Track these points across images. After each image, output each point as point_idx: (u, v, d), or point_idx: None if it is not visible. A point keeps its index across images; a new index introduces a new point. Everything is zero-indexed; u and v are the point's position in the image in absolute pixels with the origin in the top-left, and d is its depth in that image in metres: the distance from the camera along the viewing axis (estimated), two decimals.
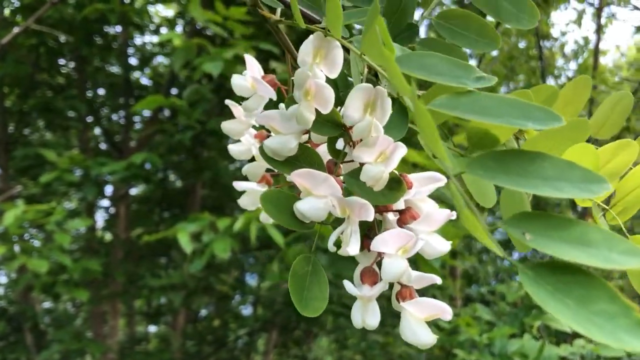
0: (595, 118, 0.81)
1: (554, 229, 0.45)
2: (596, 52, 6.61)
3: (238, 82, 0.77)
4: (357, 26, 0.72)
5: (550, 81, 7.24)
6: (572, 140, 0.70)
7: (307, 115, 0.59)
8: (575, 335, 4.22)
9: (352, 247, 0.57)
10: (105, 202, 5.55)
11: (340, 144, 0.69)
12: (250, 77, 0.72)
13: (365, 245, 0.60)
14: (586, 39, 7.51)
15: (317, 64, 0.60)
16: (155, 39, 5.46)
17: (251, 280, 6.33)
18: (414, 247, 0.55)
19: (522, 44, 7.17)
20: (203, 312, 6.15)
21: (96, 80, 5.34)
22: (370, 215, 0.57)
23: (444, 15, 0.76)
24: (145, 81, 5.48)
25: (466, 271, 6.17)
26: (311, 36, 0.59)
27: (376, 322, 0.57)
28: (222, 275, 5.21)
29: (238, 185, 0.81)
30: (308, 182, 0.59)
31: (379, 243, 0.56)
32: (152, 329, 6.54)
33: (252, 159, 0.81)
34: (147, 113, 5.09)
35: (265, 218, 0.82)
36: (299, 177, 0.59)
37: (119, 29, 4.95)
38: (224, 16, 3.86)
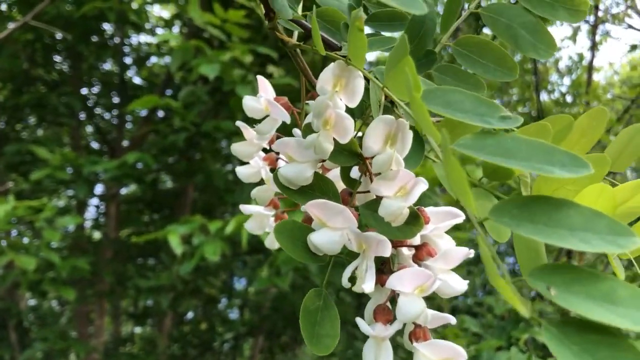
0: (611, 150, 0.80)
1: (579, 283, 0.44)
2: (590, 68, 6.65)
3: (250, 103, 0.75)
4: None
5: (544, 96, 7.27)
6: (590, 177, 0.69)
7: (326, 145, 0.57)
8: None
9: (367, 285, 0.55)
10: (94, 201, 5.52)
11: (354, 172, 0.67)
12: (265, 100, 0.70)
13: (379, 280, 0.59)
14: (581, 56, 7.57)
15: (337, 92, 0.58)
16: (150, 39, 5.44)
17: (238, 284, 6.31)
18: (432, 287, 0.54)
19: (517, 57, 7.21)
20: (189, 315, 6.11)
21: (91, 78, 5.31)
22: (387, 251, 0.56)
23: (462, 42, 0.75)
24: (138, 81, 5.44)
25: None
26: (332, 64, 0.58)
27: None
28: (210, 279, 5.19)
29: (245, 208, 0.79)
30: (323, 214, 0.58)
31: (396, 281, 0.55)
32: (137, 330, 6.49)
33: (261, 182, 0.79)
34: (141, 113, 5.06)
35: (270, 244, 0.81)
36: (314, 207, 0.58)
37: (113, 27, 4.92)
38: (222, 19, 3.85)
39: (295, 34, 0.71)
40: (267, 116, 0.75)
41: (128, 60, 5.33)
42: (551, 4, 0.75)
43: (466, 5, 0.80)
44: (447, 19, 0.77)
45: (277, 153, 0.80)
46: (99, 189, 5.16)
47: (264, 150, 0.80)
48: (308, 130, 0.61)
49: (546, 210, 0.47)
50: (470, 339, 4.26)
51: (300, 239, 0.59)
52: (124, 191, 5.68)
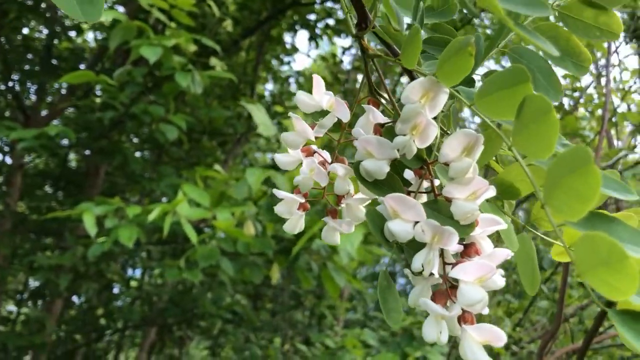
0: None
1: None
2: None
3: (303, 98, 0.83)
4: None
5: None
6: None
7: (414, 147, 0.66)
8: None
9: (435, 269, 0.65)
10: None
11: (408, 174, 0.76)
12: (333, 98, 0.78)
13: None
14: None
15: (422, 104, 0.67)
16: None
17: (133, 273, 6.17)
18: (491, 278, 0.64)
19: None
20: (79, 299, 5.88)
21: (11, 40, 5.02)
22: (453, 244, 0.65)
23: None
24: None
25: (352, 295, 6.41)
26: (424, 79, 0.66)
27: (447, 338, 0.65)
28: (112, 264, 5.04)
29: (279, 193, 0.85)
30: (399, 206, 0.66)
31: (459, 271, 0.64)
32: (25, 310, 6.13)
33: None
34: (62, 85, 4.86)
35: (291, 228, 0.88)
36: (392, 200, 0.66)
37: None
38: (170, 4, 3.81)
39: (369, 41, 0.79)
40: (317, 111, 0.83)
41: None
42: (562, 57, 0.89)
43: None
44: (485, 54, 0.89)
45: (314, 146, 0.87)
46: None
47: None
48: (388, 132, 0.70)
49: (602, 223, 0.59)
50: (367, 350, 4.44)
51: (380, 225, 0.68)
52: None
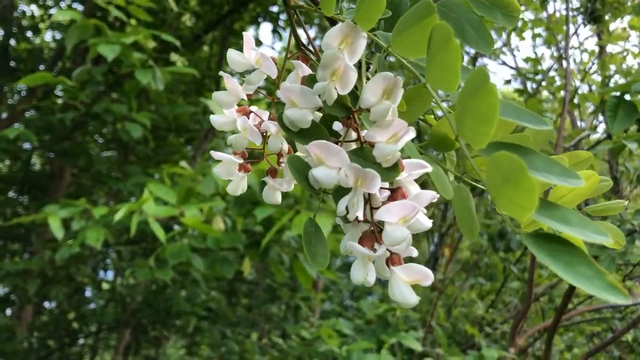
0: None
1: (545, 209, 0.57)
2: None
3: (234, 56, 0.83)
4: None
5: None
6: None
7: (333, 93, 0.66)
8: (424, 355, 4.57)
9: (360, 212, 0.65)
10: None
11: (337, 126, 0.77)
12: (259, 54, 0.78)
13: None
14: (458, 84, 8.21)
15: (341, 49, 0.67)
16: (35, 9, 5.16)
17: (104, 275, 6.08)
18: (414, 217, 0.65)
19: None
20: (50, 304, 5.79)
21: None
22: (376, 187, 0.65)
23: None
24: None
25: (327, 286, 6.42)
26: (341, 24, 0.67)
27: (374, 280, 0.65)
28: (81, 267, 4.97)
29: (216, 154, 0.85)
30: (323, 153, 0.67)
31: (384, 212, 0.65)
32: None
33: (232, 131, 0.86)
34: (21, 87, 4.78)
35: (233, 190, 0.88)
36: (315, 147, 0.67)
37: None
38: (127, 0, 3.77)
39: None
40: (249, 70, 0.82)
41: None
42: (490, 7, 0.89)
43: None
44: (411, 5, 0.89)
45: (250, 105, 0.87)
46: None
47: (240, 103, 0.87)
48: (310, 81, 0.70)
49: (518, 153, 0.59)
50: (342, 340, 4.44)
51: (304, 172, 0.68)
52: None
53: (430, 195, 0.70)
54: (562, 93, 4.95)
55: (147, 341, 5.79)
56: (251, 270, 4.22)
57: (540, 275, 4.83)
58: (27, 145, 4.38)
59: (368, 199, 0.70)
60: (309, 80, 0.72)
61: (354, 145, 0.75)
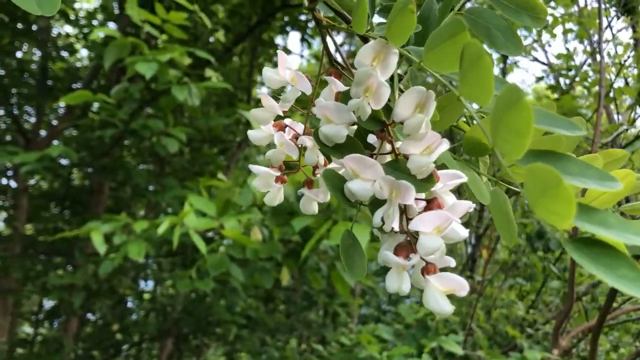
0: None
1: (583, 213, 0.58)
2: None
3: (269, 74, 0.85)
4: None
5: None
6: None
7: (367, 109, 0.69)
8: (465, 358, 4.52)
9: (395, 224, 0.67)
10: None
11: (372, 138, 0.79)
12: (294, 72, 0.80)
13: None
14: None
15: (374, 66, 0.69)
16: (70, 29, 5.31)
17: (145, 286, 6.20)
18: (448, 227, 0.66)
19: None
20: (93, 315, 5.93)
21: (5, 64, 5.09)
22: (411, 198, 0.67)
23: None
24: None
25: (364, 291, 6.42)
26: (373, 42, 0.69)
27: (409, 288, 0.67)
28: (123, 279, 5.09)
29: (255, 168, 0.88)
30: (358, 166, 0.69)
31: (418, 222, 0.66)
32: (41, 330, 6.19)
33: (270, 145, 0.89)
34: (60, 105, 4.92)
35: (270, 200, 0.91)
36: (351, 161, 0.69)
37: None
38: (163, 19, 3.85)
39: (322, 13, 0.81)
40: (284, 87, 0.85)
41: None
42: (517, 10, 0.90)
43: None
44: (441, 17, 0.91)
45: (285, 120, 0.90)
46: (4, 181, 4.95)
47: (276, 118, 0.89)
48: (344, 97, 0.73)
49: (552, 159, 0.61)
50: (382, 345, 4.44)
51: (339, 186, 0.70)
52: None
53: (467, 206, 0.71)
54: (596, 88, 4.86)
55: (188, 350, 5.88)
56: (289, 277, 4.25)
57: (582, 273, 4.74)
58: (65, 162, 4.50)
59: (404, 210, 0.72)
60: (343, 96, 0.74)
61: (388, 158, 0.77)
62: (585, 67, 5.26)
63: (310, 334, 5.59)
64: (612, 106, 5.41)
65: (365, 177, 0.69)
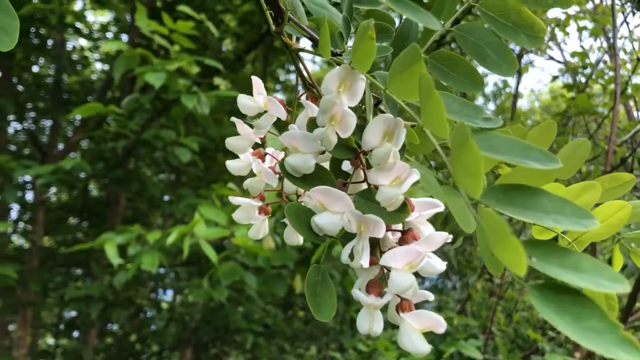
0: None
1: (554, 256, 0.54)
2: (515, 95, 7.02)
3: (244, 101, 0.83)
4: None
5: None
6: (542, 179, 0.80)
7: (332, 138, 0.65)
8: None
9: (364, 260, 0.63)
10: (15, 206, 5.33)
11: (346, 165, 0.76)
12: (266, 98, 0.78)
13: (370, 261, 0.66)
14: (505, 82, 8.01)
15: (341, 92, 0.66)
16: (85, 43, 5.36)
17: (164, 296, 6.22)
18: (420, 263, 0.62)
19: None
20: (114, 326, 5.97)
21: (22, 79, 5.15)
22: (382, 232, 0.63)
23: (437, 56, 0.85)
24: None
25: None
26: (338, 67, 0.66)
27: (381, 329, 0.63)
28: (140, 289, 5.11)
29: (234, 200, 0.85)
30: (325, 199, 0.65)
31: (389, 258, 0.63)
32: (61, 342, 6.25)
33: (250, 174, 0.86)
34: (76, 117, 4.96)
35: (254, 234, 0.87)
36: (317, 193, 0.65)
37: (48, 29, 4.81)
38: (170, 29, 3.86)
39: (294, 37, 0.78)
40: (260, 113, 0.82)
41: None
42: (513, 29, 0.86)
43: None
44: (426, 35, 0.87)
45: (265, 148, 0.87)
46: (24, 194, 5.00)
47: (254, 146, 0.86)
48: (312, 125, 0.69)
49: (524, 195, 0.57)
50: (400, 351, 4.38)
51: (305, 220, 0.67)
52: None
53: (443, 237, 0.67)
54: (612, 86, 4.75)
55: (208, 359, 5.88)
56: (302, 285, 4.23)
57: None
58: (82, 174, 4.54)
59: (378, 243, 0.68)
60: (312, 124, 0.71)
61: (365, 186, 0.74)
62: (601, 65, 5.15)
63: (329, 340, 5.55)
64: (632, 102, 5.29)
65: (333, 209, 0.66)
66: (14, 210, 5.34)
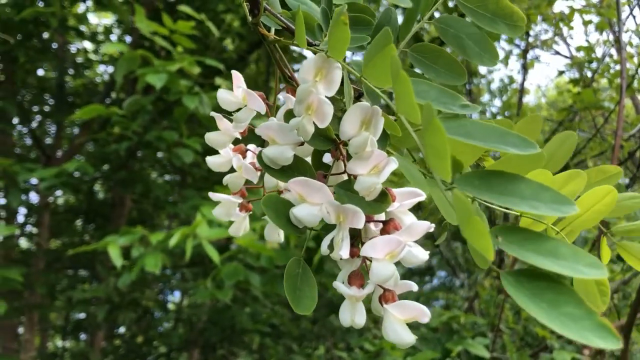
0: (545, 152, 0.90)
1: (531, 242, 0.52)
2: (521, 91, 6.97)
3: (224, 96, 0.81)
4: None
5: (475, 115, 7.60)
6: (525, 170, 0.79)
7: (309, 128, 0.64)
8: None
9: (344, 251, 0.62)
10: (22, 210, 5.35)
11: (327, 158, 0.74)
12: (244, 91, 0.76)
13: (351, 252, 0.65)
14: (511, 78, 7.96)
15: (318, 82, 0.65)
16: (89, 45, 5.37)
17: (172, 297, 6.23)
18: (402, 252, 0.61)
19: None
20: (119, 328, 5.98)
21: (26, 83, 5.17)
22: (361, 222, 0.62)
23: (418, 48, 0.83)
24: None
25: None
26: (314, 56, 0.64)
27: (363, 321, 0.62)
28: (147, 291, 5.11)
29: (214, 196, 0.84)
30: (304, 190, 0.64)
31: (369, 248, 0.62)
32: (68, 344, 6.27)
33: (231, 171, 0.85)
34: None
35: (235, 231, 0.86)
36: (295, 184, 0.64)
37: (51, 32, 4.83)
38: (170, 29, 3.86)
39: (273, 30, 0.77)
40: (241, 108, 0.81)
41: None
42: (492, 18, 0.85)
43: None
44: (405, 28, 0.86)
45: (247, 144, 0.86)
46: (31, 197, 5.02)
47: (235, 141, 0.85)
48: (289, 115, 0.68)
49: (502, 182, 0.55)
50: (407, 350, 4.37)
51: (284, 212, 0.66)
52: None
53: (425, 226, 0.66)
54: (618, 80, 4.71)
55: (214, 359, 5.88)
56: None
57: (612, 270, 4.60)
58: (86, 177, 4.55)
59: (359, 233, 0.67)
60: (289, 115, 0.70)
61: (345, 177, 0.73)
62: (607, 59, 5.10)
63: (336, 340, 5.53)
64: (639, 96, 5.24)
65: (312, 201, 0.65)
66: (20, 214, 5.37)
